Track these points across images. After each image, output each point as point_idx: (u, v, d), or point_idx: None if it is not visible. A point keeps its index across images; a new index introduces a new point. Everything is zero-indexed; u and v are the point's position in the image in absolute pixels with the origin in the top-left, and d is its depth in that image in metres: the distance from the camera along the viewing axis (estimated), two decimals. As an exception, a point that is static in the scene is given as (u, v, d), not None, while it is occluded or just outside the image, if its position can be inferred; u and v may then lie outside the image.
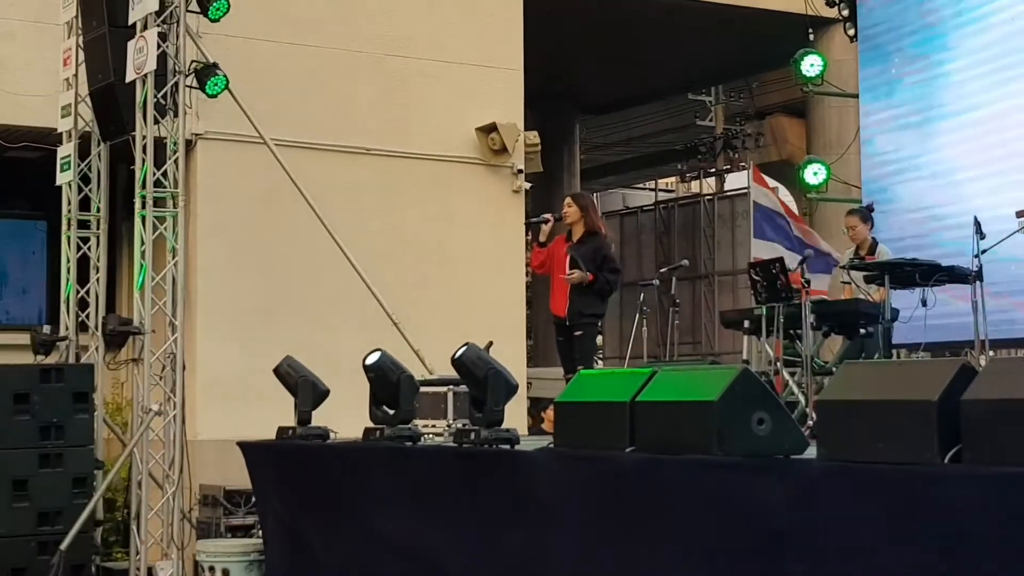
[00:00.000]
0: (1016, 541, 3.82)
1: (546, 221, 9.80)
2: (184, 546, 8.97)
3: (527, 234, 11.52)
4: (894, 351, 9.15)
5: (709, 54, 18.02)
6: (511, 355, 9.79)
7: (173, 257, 9.13)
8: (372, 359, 7.24)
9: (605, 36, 17.13)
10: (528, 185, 12.49)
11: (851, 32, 13.39)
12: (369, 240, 10.99)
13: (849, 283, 9.95)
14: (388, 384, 7.13)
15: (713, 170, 25.42)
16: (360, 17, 11.79)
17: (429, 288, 11.54)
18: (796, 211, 15.21)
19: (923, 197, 12.04)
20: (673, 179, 28.29)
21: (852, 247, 10.38)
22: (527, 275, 13.32)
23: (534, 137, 12.37)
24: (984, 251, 8.22)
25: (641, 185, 28.76)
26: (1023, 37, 11.14)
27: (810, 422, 7.46)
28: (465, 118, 12.08)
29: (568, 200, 9.93)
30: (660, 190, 28.12)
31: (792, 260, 9.85)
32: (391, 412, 7.17)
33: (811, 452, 4.78)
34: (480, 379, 6.30)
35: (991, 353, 9.01)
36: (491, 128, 12.00)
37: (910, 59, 12.37)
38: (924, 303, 8.61)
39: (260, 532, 8.74)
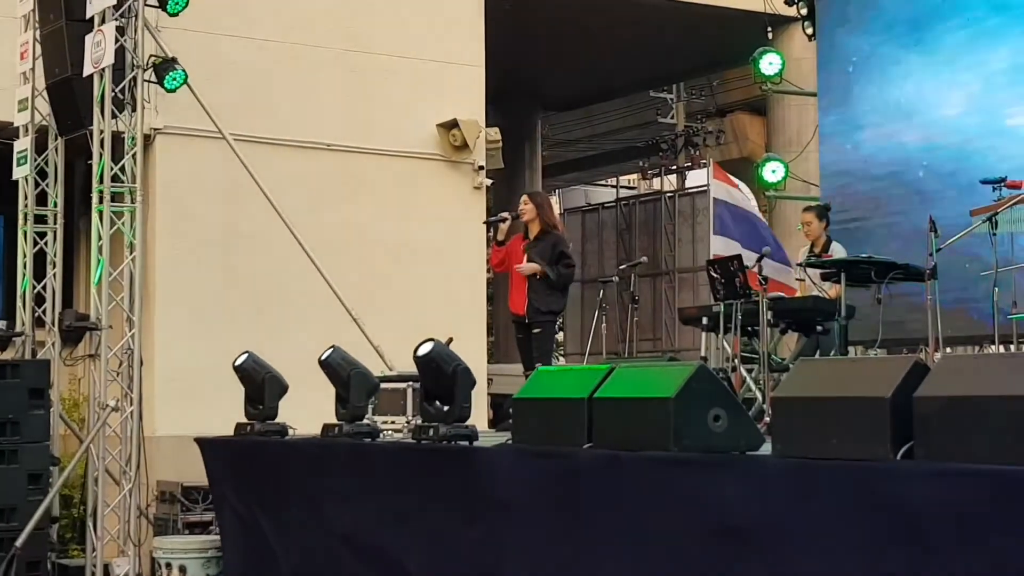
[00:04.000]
0: (967, 535, 3.86)
1: (504, 220, 9.83)
2: (141, 543, 8.93)
3: (488, 231, 11.50)
4: (850, 348, 9.21)
5: (670, 52, 18.06)
6: (472, 351, 9.79)
7: (131, 252, 9.09)
8: (324, 355, 7.28)
9: (567, 33, 17.16)
10: (489, 181, 12.49)
11: (809, 31, 13.46)
12: (329, 236, 10.96)
13: (804, 280, 10.01)
14: (340, 381, 7.15)
15: (675, 167, 25.51)
16: (321, 12, 11.75)
17: (390, 284, 11.52)
18: (757, 210, 15.25)
19: (879, 195, 12.13)
20: (635, 176, 28.38)
21: (807, 244, 10.46)
22: (488, 271, 13.33)
23: (495, 133, 12.37)
24: (939, 249, 8.29)
25: (603, 182, 28.84)
26: (980, 40, 11.23)
27: (767, 418, 7.49)
28: (426, 114, 12.06)
29: (524, 198, 9.95)
30: (622, 187, 28.21)
31: (751, 257, 9.90)
32: (352, 409, 7.19)
33: (767, 448, 4.82)
34: (448, 375, 6.31)
35: (947, 350, 9.09)
36: (452, 124, 11.99)
37: (867, 57, 12.45)
38: (879, 300, 8.68)
39: (217, 529, 8.71)
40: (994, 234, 8.09)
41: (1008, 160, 10.19)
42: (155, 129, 10.71)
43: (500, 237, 9.84)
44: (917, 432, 4.12)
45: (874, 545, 4.16)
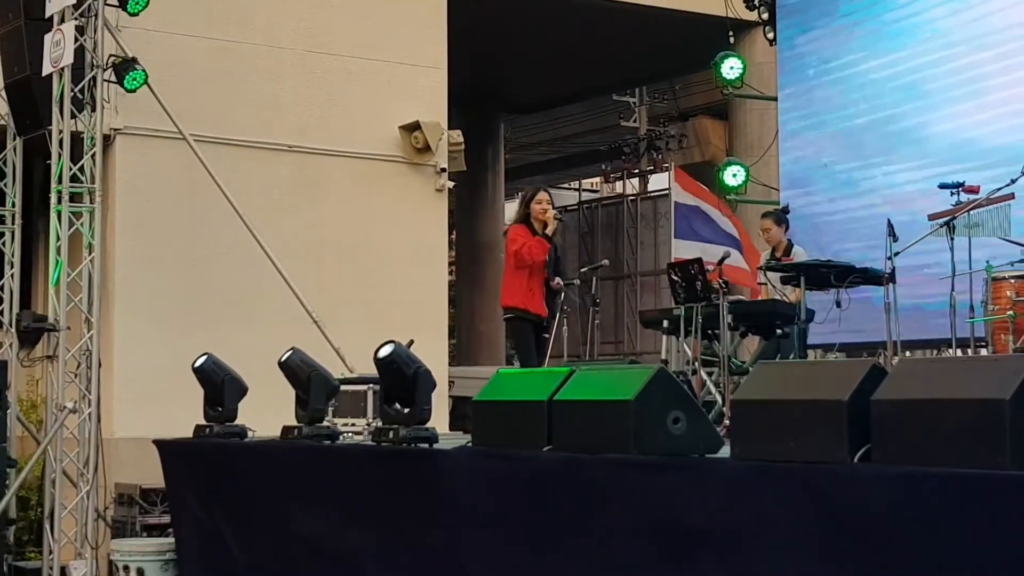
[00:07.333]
0: (923, 538, 3.89)
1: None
2: (98, 545, 8.87)
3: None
4: (809, 351, 9.27)
5: (632, 56, 18.12)
6: (433, 353, 9.77)
7: (89, 253, 9.03)
8: (284, 357, 7.26)
9: (530, 36, 17.18)
10: (451, 184, 12.48)
11: (770, 35, 13.53)
12: (290, 237, 10.93)
13: (765, 284, 10.06)
14: (300, 382, 7.14)
15: (637, 171, 25.59)
16: (283, 13, 11.71)
17: (351, 286, 11.49)
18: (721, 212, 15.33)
19: (839, 199, 12.22)
20: (597, 179, 28.47)
21: (768, 249, 10.52)
22: (450, 274, 13.30)
23: (458, 136, 12.35)
24: (897, 253, 8.36)
25: (566, 185, 28.91)
26: (936, 41, 11.34)
27: (727, 421, 7.52)
28: (389, 116, 12.04)
29: (548, 197, 9.87)
30: (584, 190, 28.28)
31: (713, 258, 9.94)
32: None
33: (726, 451, 4.83)
34: (409, 377, 6.30)
35: (906, 354, 9.16)
36: (414, 126, 11.97)
37: (827, 61, 12.54)
38: (838, 304, 8.74)
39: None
40: (952, 238, 8.17)
41: (966, 164, 10.29)
42: (115, 129, 10.65)
43: (549, 232, 9.67)
44: (874, 435, 4.14)
45: (831, 547, 4.18)
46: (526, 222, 9.70)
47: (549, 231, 9.65)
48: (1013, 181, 8.31)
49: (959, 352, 8.42)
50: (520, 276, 9.63)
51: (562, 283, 9.64)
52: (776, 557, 4.37)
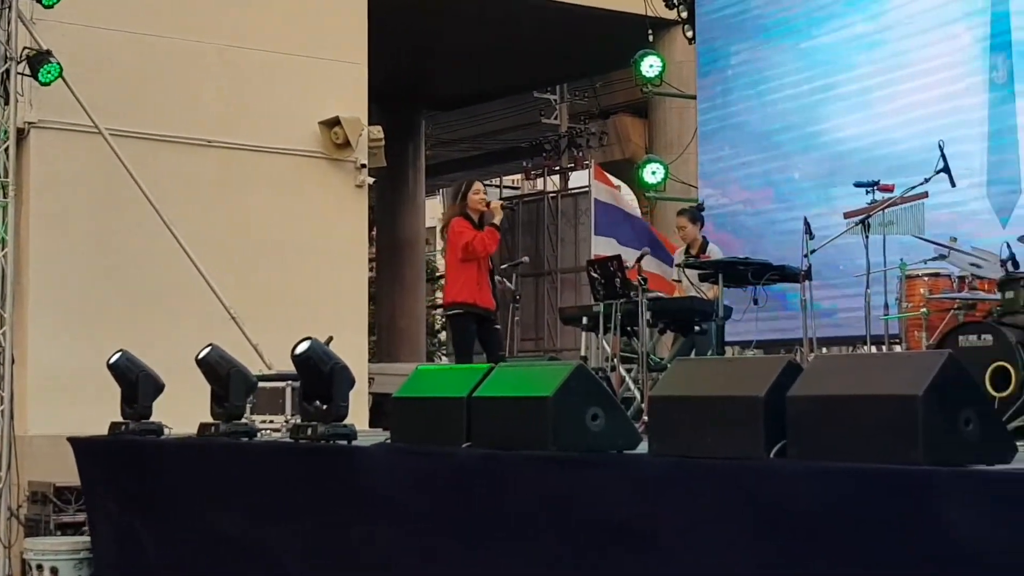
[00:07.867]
0: (837, 531, 3.95)
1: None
2: (11, 544, 8.76)
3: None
4: (726, 348, 9.35)
5: (553, 53, 18.17)
6: (352, 350, 9.75)
7: (3, 248, 8.90)
8: (202, 354, 7.20)
9: (451, 32, 17.18)
10: (371, 180, 12.43)
11: (689, 34, 13.62)
12: (209, 233, 10.83)
13: (680, 281, 10.14)
14: (218, 379, 7.08)
15: (558, 168, 25.67)
16: (203, 7, 11.58)
17: (270, 282, 11.41)
18: (639, 211, 15.43)
19: (756, 197, 12.34)
20: (519, 176, 28.52)
21: (683, 246, 10.61)
22: (370, 270, 13.23)
23: (378, 132, 12.30)
24: (813, 251, 8.46)
25: (487, 182, 28.93)
26: (847, 48, 11.50)
27: (645, 418, 7.57)
28: (308, 112, 11.96)
29: (483, 187, 9.71)
30: (505, 187, 28.32)
31: (631, 257, 9.99)
32: (229, 408, 7.12)
33: (644, 447, 4.87)
34: (325, 374, 6.27)
35: (822, 351, 9.28)
36: (334, 122, 11.90)
37: (745, 61, 12.66)
38: (755, 301, 8.83)
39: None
40: (867, 236, 8.28)
41: (881, 163, 10.43)
42: (29, 123, 10.47)
43: (497, 221, 9.52)
44: (790, 431, 4.18)
45: (748, 541, 4.23)
46: (464, 214, 9.55)
47: (497, 220, 9.48)
48: (927, 180, 8.43)
49: (874, 349, 8.54)
50: (468, 269, 9.32)
51: (507, 284, 9.57)
52: (697, 552, 4.41)
